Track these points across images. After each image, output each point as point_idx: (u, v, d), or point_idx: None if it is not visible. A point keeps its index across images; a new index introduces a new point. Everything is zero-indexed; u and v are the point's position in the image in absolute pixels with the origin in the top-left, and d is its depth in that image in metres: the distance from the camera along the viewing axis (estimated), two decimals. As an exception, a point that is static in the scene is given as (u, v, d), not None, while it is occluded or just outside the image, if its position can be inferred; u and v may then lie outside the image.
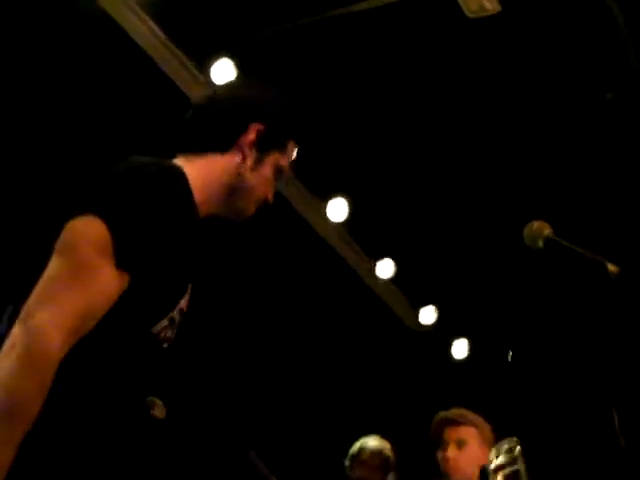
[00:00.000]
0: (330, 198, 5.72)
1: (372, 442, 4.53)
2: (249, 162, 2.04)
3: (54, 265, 1.70)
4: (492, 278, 6.10)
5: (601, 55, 4.71)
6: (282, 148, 2.10)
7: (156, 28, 4.68)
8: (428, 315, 6.53)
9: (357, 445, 4.54)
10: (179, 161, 2.04)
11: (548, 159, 5.30)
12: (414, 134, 5.35)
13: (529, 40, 4.67)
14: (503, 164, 5.36)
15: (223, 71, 4.85)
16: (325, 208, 5.71)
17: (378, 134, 5.45)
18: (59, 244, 1.73)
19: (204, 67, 4.82)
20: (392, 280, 6.25)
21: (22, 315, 1.63)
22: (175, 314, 1.91)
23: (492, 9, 4.55)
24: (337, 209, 5.71)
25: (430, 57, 4.90)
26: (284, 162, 2.11)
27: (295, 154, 2.16)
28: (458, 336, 6.68)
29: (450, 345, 6.70)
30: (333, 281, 6.03)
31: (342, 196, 5.71)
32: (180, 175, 1.91)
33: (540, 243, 2.17)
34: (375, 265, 6.14)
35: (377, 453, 4.47)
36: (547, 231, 2.17)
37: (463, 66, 4.85)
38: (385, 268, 6.13)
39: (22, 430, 1.55)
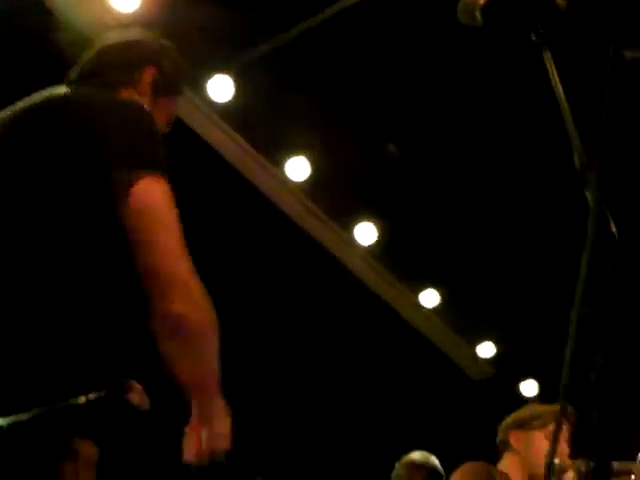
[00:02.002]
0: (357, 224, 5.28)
1: (416, 454, 4.18)
2: (145, 102, 2.11)
3: (168, 239, 1.81)
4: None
5: None
6: (171, 98, 2.24)
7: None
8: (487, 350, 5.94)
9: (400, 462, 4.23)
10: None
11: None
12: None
13: None
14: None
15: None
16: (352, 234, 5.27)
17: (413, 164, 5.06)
18: (153, 211, 1.81)
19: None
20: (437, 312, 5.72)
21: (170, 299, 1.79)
22: None
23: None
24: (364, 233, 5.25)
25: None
26: (172, 113, 2.25)
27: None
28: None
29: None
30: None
31: (369, 220, 5.26)
32: None
33: (478, 16, 1.73)
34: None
35: (419, 465, 4.11)
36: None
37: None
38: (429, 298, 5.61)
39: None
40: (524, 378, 6.11)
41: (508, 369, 6.13)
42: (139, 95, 2.12)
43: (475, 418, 5.72)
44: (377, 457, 4.93)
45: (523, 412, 3.56)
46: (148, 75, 2.16)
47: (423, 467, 4.12)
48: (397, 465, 4.22)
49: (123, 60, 2.15)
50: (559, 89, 1.58)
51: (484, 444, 3.63)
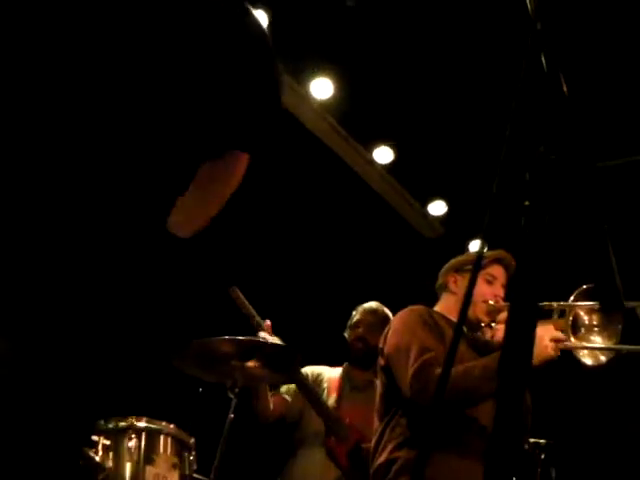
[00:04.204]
0: (312, 79, 5.23)
1: (367, 304, 4.45)
2: None
3: None
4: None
5: None
6: None
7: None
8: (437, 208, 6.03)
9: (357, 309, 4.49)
10: None
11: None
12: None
13: None
14: None
15: None
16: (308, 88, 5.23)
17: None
18: None
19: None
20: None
21: None
22: None
23: None
24: (320, 88, 5.22)
25: None
26: None
27: None
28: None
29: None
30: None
31: (325, 75, 5.21)
32: None
33: None
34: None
35: (372, 311, 4.38)
36: None
37: None
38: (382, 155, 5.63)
39: None
40: (474, 237, 6.19)
41: (458, 228, 6.20)
42: None
43: (425, 275, 5.83)
44: (333, 308, 5.07)
45: (461, 257, 3.66)
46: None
47: (376, 312, 4.36)
48: (354, 312, 4.45)
49: None
50: None
51: (433, 300, 3.72)
